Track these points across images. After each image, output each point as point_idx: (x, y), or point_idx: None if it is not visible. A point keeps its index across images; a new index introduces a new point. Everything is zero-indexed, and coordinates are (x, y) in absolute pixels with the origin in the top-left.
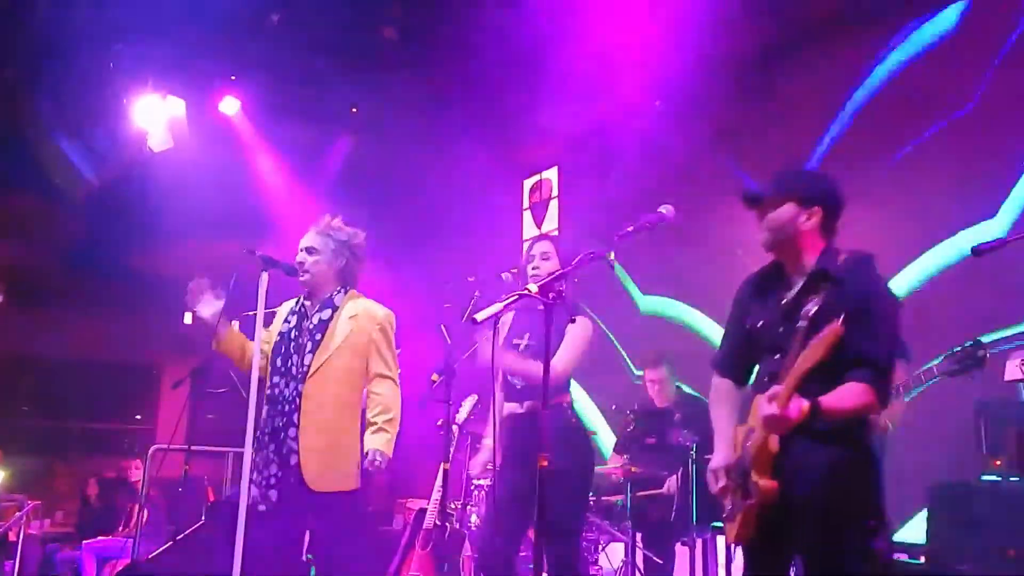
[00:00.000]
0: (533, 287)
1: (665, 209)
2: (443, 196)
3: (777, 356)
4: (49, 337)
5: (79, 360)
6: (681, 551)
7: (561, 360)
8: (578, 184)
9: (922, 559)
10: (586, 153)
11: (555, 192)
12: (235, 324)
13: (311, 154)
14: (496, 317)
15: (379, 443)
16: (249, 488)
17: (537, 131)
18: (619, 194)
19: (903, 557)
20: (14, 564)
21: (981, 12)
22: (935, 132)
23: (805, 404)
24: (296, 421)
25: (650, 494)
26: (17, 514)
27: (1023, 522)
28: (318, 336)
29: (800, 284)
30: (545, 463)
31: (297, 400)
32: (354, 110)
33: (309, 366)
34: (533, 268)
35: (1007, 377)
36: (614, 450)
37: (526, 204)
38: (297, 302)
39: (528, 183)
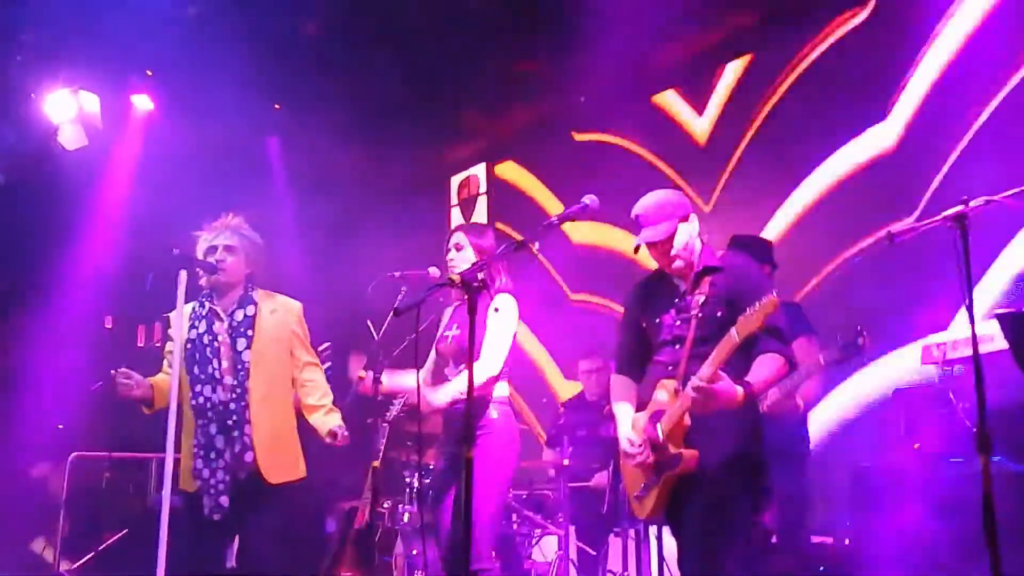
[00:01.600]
0: (455, 277)
1: (588, 199)
2: (371, 193)
3: (676, 346)
4: None
5: None
6: (614, 542)
7: (484, 365)
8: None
9: (847, 541)
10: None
11: (483, 188)
12: (157, 379)
13: (231, 151)
14: (418, 309)
15: (338, 420)
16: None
17: (464, 128)
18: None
19: (827, 540)
20: None
21: None
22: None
23: (739, 389)
24: (248, 418)
25: (580, 486)
26: None
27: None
28: (249, 332)
29: (688, 282)
30: (470, 455)
31: (245, 398)
32: (277, 107)
33: (248, 362)
34: (449, 259)
35: (922, 361)
36: (546, 444)
37: (455, 201)
38: (202, 306)
39: (456, 179)
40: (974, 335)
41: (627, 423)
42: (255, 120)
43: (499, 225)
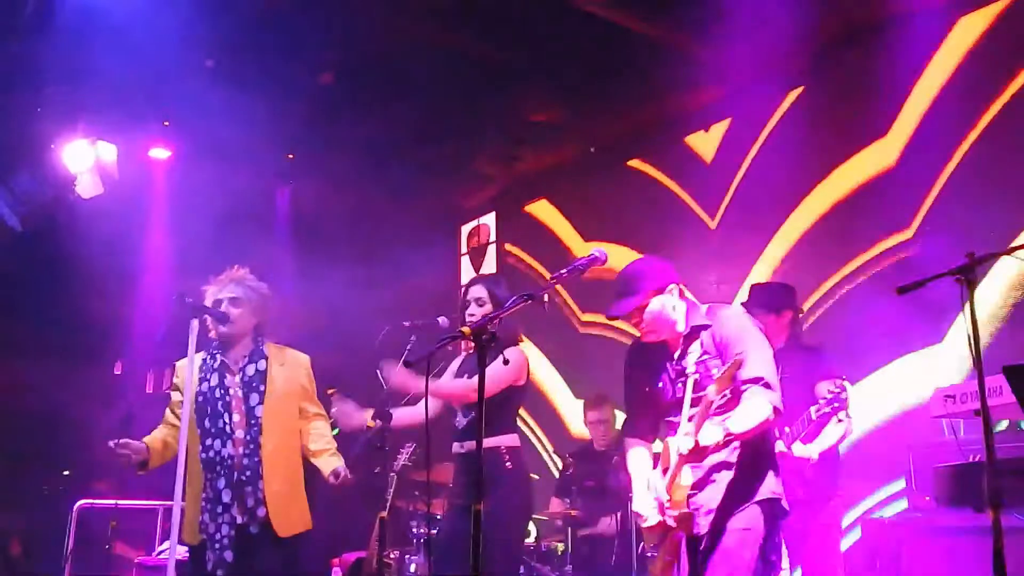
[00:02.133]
0: (466, 330)
1: (597, 251)
2: (381, 241)
3: (679, 409)
4: None
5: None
6: None
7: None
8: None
9: None
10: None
11: (492, 237)
12: (152, 437)
13: (245, 200)
14: (429, 360)
15: (340, 461)
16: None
17: (475, 176)
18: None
19: None
20: None
21: None
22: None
23: (719, 433)
24: (261, 473)
25: (588, 534)
26: None
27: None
28: (261, 387)
29: (679, 347)
30: (480, 507)
31: (258, 453)
32: (290, 156)
33: (261, 417)
34: (469, 314)
35: (932, 413)
36: (554, 494)
37: (464, 249)
38: (213, 358)
39: (466, 228)
40: (982, 389)
41: (641, 486)
42: (269, 168)
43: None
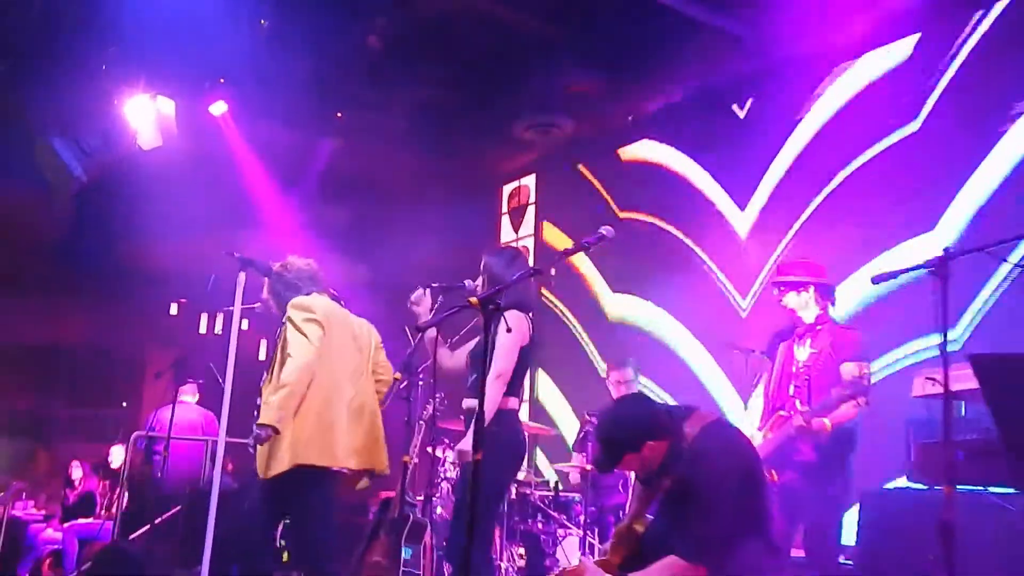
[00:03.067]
0: (473, 300)
1: (605, 230)
2: (426, 200)
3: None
4: (36, 325)
5: (65, 347)
6: None
7: (490, 378)
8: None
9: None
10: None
11: (532, 198)
12: None
13: (295, 156)
14: (437, 328)
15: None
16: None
17: (515, 141)
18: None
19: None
20: None
21: (928, 42)
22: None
23: None
24: None
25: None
26: (2, 494)
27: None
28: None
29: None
30: (479, 458)
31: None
32: (339, 115)
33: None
34: (477, 285)
35: (914, 393)
36: (573, 448)
37: (505, 209)
38: None
39: (507, 189)
40: (946, 376)
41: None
42: (318, 126)
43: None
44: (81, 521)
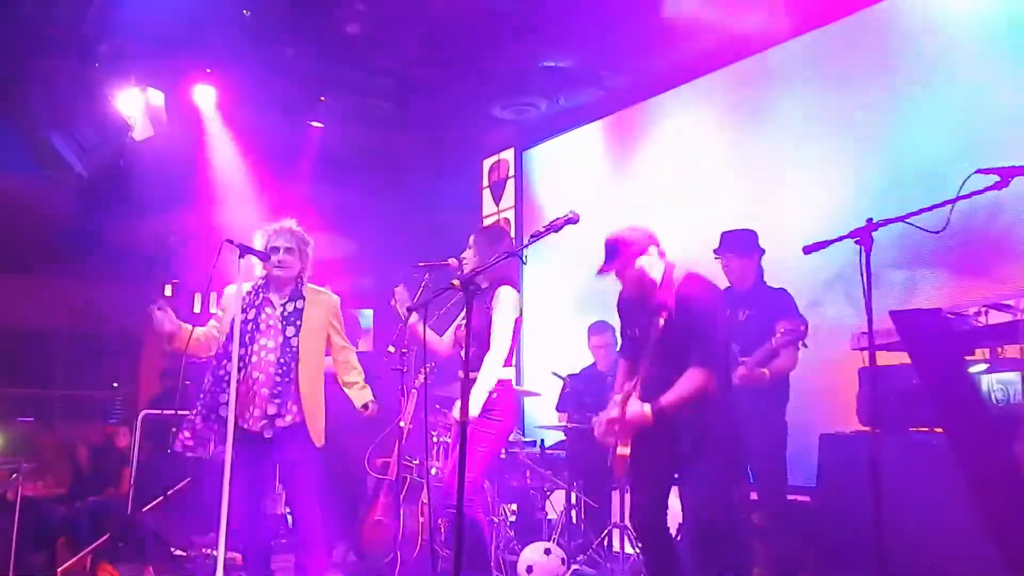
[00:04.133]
0: (456, 282)
1: (571, 213)
2: (409, 178)
3: (643, 351)
4: (32, 307)
5: (61, 329)
6: (615, 496)
7: (492, 354)
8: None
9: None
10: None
11: (511, 172)
12: (190, 328)
13: (282, 139)
14: (426, 308)
15: (369, 395)
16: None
17: (492, 117)
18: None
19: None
20: (13, 523)
21: None
22: None
23: (647, 407)
24: (291, 392)
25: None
26: (15, 475)
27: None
28: (298, 322)
29: (654, 298)
30: (465, 420)
31: (289, 375)
32: (322, 99)
33: (296, 347)
34: (464, 258)
35: (851, 347)
36: (556, 408)
37: (485, 183)
38: (257, 294)
39: (487, 163)
40: (871, 335)
41: (613, 402)
42: (303, 110)
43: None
44: (92, 499)
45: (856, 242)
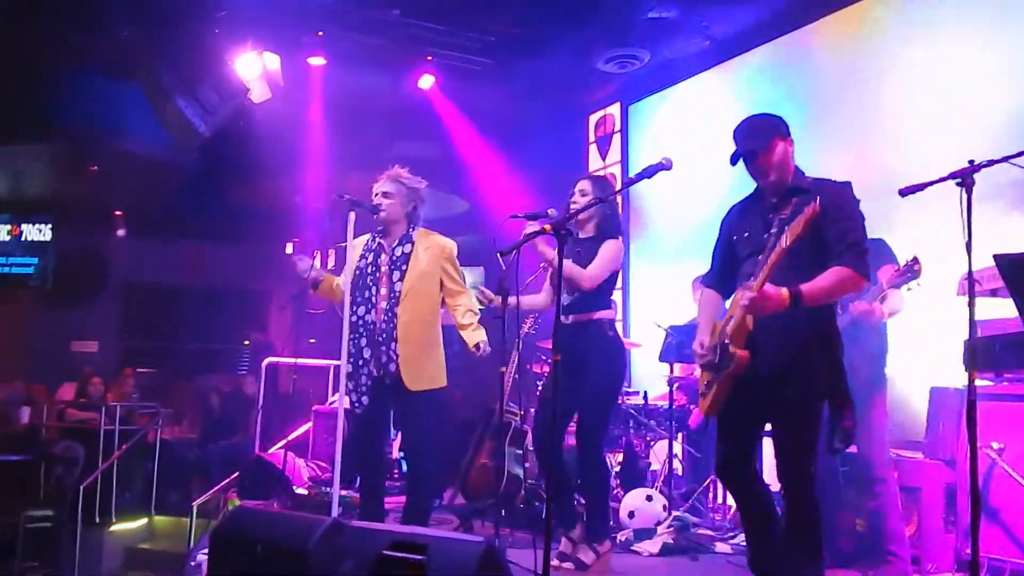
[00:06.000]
0: (547, 227)
1: (664, 160)
2: (517, 133)
3: (758, 257)
4: (166, 267)
5: (189, 286)
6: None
7: (589, 272)
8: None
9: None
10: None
11: (618, 126)
12: (330, 275)
13: (390, 99)
14: (518, 251)
15: (481, 335)
16: (347, 395)
17: (598, 71)
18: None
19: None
20: (153, 463)
21: None
22: None
23: (784, 290)
24: (395, 337)
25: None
26: (154, 419)
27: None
28: (404, 267)
29: (779, 198)
30: (558, 358)
31: (394, 320)
32: (429, 59)
33: (400, 292)
34: (572, 203)
35: (957, 293)
36: (659, 359)
37: (592, 138)
38: (373, 239)
39: (593, 118)
40: (971, 282)
41: (705, 330)
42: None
43: None
44: (223, 443)
45: (957, 184)
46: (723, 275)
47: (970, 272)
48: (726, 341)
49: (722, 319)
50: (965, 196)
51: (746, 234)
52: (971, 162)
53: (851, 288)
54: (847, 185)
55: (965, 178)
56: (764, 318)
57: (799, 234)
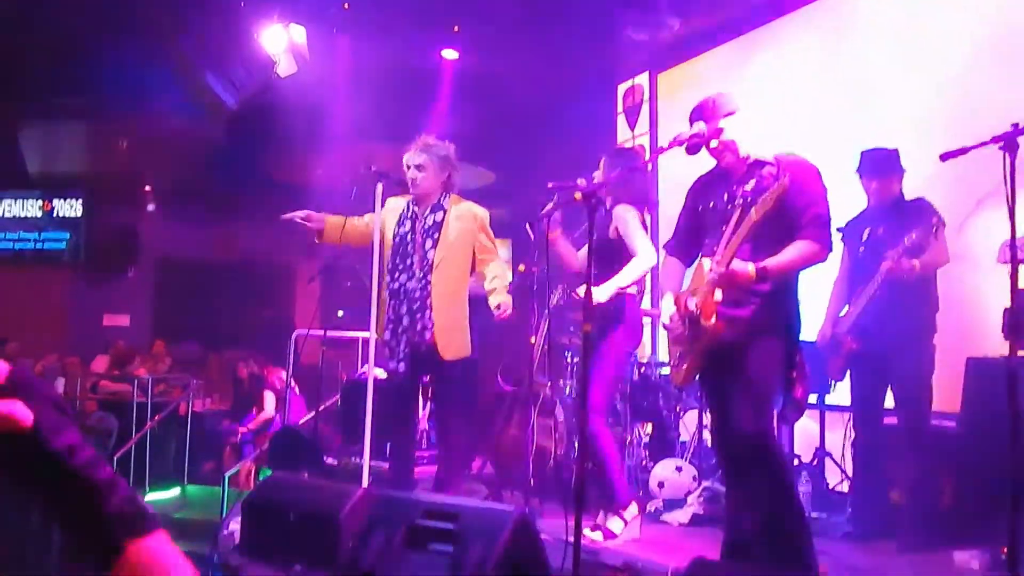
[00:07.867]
0: (577, 195)
1: (699, 127)
2: (545, 103)
3: (723, 228)
4: (195, 242)
5: (223, 261)
6: None
7: (640, 259)
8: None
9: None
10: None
11: (646, 96)
12: (333, 218)
13: (417, 71)
14: (547, 221)
15: (505, 297)
16: (384, 365)
17: (627, 40)
18: None
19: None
20: (185, 434)
21: None
22: None
23: (751, 266)
24: (429, 304)
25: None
26: (186, 391)
27: None
28: (436, 235)
29: (740, 175)
30: (588, 329)
31: (428, 288)
32: (456, 29)
33: (432, 260)
34: (595, 175)
35: (997, 260)
36: None
37: (620, 108)
38: (408, 208)
39: (622, 88)
40: (1014, 248)
41: (669, 301)
42: (437, 40)
43: None
44: (253, 414)
45: (1000, 148)
46: (686, 244)
47: (1013, 237)
48: (696, 314)
49: (684, 290)
50: (1008, 160)
51: (712, 204)
52: (1015, 125)
53: (815, 260)
54: (807, 160)
55: (1009, 142)
56: (731, 291)
57: (768, 209)
